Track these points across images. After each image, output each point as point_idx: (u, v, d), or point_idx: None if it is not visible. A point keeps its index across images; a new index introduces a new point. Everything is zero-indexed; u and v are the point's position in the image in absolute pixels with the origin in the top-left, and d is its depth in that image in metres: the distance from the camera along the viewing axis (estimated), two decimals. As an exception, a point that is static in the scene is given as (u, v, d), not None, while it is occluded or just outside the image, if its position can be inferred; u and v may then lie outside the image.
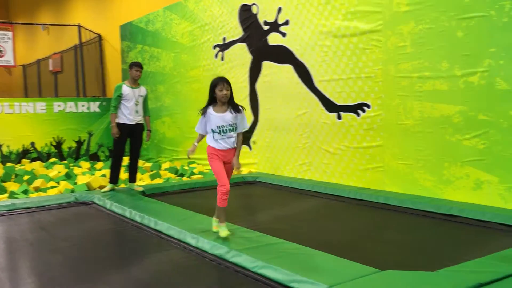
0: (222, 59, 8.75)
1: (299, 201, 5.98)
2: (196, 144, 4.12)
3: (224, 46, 8.71)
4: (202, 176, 8.14)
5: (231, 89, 3.98)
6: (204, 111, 4.03)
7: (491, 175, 4.88)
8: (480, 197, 4.96)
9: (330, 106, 6.69)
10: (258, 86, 8.03)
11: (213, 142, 4.00)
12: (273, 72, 7.66)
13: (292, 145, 7.42)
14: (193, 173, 8.39)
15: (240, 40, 8.31)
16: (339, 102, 6.52)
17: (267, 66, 7.80)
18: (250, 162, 8.28)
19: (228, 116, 3.97)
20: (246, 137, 8.33)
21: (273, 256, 3.36)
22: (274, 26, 7.57)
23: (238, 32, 8.33)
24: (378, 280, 2.89)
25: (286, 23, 7.32)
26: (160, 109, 10.63)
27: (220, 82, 3.93)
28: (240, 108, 4.04)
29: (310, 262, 3.27)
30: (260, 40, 7.87)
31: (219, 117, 3.97)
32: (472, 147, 5.02)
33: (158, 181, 7.80)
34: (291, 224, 4.84)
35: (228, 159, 4.05)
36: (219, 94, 3.92)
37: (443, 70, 5.23)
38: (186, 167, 9.06)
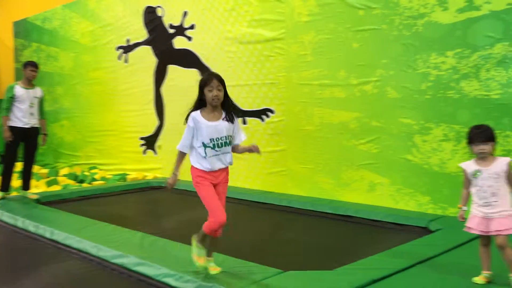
0: (126, 61, 8.51)
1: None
2: (177, 173, 3.13)
3: (128, 48, 8.47)
4: (104, 182, 7.83)
5: (225, 88, 3.05)
6: (190, 119, 3.04)
7: (383, 177, 5.25)
8: (374, 198, 5.31)
9: (235, 111, 6.75)
10: (164, 89, 7.91)
11: (203, 161, 3.02)
12: (179, 76, 7.60)
13: (198, 149, 7.39)
14: (94, 179, 8.04)
15: (145, 43, 8.14)
16: (244, 107, 6.63)
17: (173, 70, 7.71)
18: (156, 167, 8.12)
19: (222, 125, 3.04)
20: (151, 142, 8.17)
21: (178, 264, 3.33)
22: (180, 30, 7.51)
23: (143, 34, 8.15)
24: (280, 281, 2.98)
25: (192, 27, 7.30)
26: (58, 111, 10.05)
27: (209, 80, 2.98)
28: (234, 115, 3.16)
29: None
30: (165, 43, 7.77)
31: (211, 126, 3.01)
32: (366, 152, 5.36)
33: (55, 188, 7.37)
34: (197, 229, 4.81)
35: (220, 180, 3.10)
36: (208, 95, 2.98)
37: (340, 79, 5.53)
38: (86, 173, 8.65)
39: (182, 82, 7.53)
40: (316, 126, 5.82)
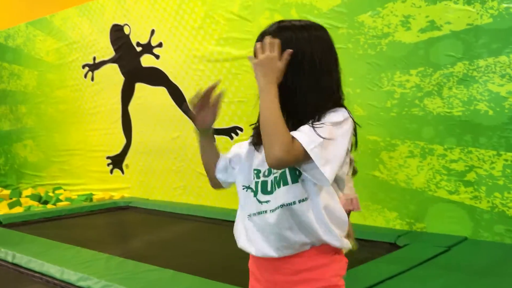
0: (92, 79, 8.39)
1: (174, 225, 5.89)
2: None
3: (94, 66, 8.36)
4: (69, 203, 7.62)
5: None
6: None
7: (351, 193, 5.29)
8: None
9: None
10: (131, 108, 7.82)
11: (241, 233, 1.62)
12: (147, 94, 7.53)
13: (166, 168, 7.31)
14: (59, 200, 7.83)
15: (112, 61, 8.05)
16: (213, 125, 6.60)
17: (140, 88, 7.65)
18: (123, 187, 7.97)
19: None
20: (118, 161, 8.04)
21: (145, 285, 3.25)
22: (147, 48, 7.47)
23: (109, 52, 8.07)
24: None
25: (160, 45, 7.28)
26: (21, 131, 9.78)
27: None
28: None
29: (183, 287, 3.22)
30: (132, 61, 7.70)
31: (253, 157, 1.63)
32: (335, 168, 5.41)
33: (18, 209, 7.13)
34: (165, 249, 4.74)
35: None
36: None
37: (308, 97, 5.58)
38: (51, 194, 8.41)
39: (150, 101, 7.46)
40: (285, 144, 5.84)
